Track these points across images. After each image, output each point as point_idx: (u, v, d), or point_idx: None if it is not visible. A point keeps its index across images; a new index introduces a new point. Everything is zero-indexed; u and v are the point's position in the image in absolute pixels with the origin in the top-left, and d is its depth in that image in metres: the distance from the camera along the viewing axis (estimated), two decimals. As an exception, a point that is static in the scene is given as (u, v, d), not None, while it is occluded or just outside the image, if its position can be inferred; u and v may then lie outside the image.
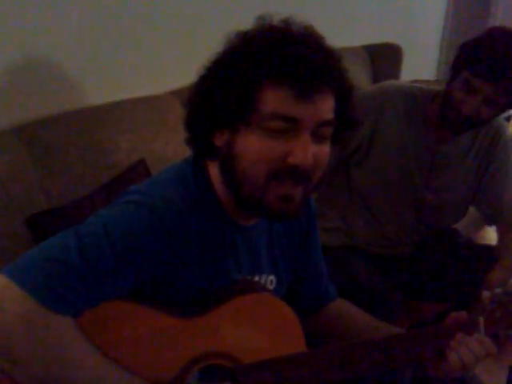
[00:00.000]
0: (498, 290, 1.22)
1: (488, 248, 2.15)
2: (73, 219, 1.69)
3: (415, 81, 3.43)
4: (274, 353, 1.16)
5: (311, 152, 1.06)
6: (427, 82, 3.26)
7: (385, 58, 3.30)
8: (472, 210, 2.12)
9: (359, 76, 3.09)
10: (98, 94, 2.01)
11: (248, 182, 1.09)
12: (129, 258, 1.04)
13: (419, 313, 1.99)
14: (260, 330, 1.18)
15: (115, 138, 1.93)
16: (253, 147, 1.06)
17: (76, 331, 1.01)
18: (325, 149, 1.11)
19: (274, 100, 1.04)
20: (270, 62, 1.03)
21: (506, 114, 2.18)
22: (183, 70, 2.28)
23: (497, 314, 1.21)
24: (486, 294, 1.22)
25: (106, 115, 1.96)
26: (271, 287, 1.31)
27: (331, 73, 1.06)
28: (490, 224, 2.11)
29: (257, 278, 1.28)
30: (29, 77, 1.83)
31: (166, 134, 2.08)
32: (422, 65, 4.08)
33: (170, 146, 2.08)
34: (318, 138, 1.08)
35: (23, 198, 1.65)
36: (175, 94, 2.24)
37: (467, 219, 2.19)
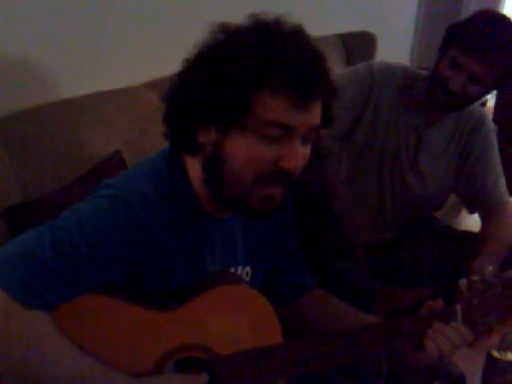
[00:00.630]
0: (476, 278, 1.22)
1: (468, 234, 2.17)
2: (49, 212, 1.66)
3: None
4: (250, 344, 1.17)
5: (301, 156, 1.08)
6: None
7: (359, 46, 3.30)
8: (449, 197, 2.14)
9: (333, 65, 3.09)
10: (72, 87, 1.99)
11: (234, 184, 1.09)
12: (103, 253, 1.04)
13: (398, 300, 2.00)
14: (236, 322, 1.18)
15: (90, 131, 1.91)
16: (244, 151, 1.06)
17: (51, 325, 1.00)
18: (308, 150, 1.13)
19: (271, 107, 1.04)
20: (270, 69, 1.03)
21: (481, 100, 2.20)
22: (158, 61, 2.28)
23: (474, 302, 1.22)
24: (462, 281, 1.23)
25: (80, 108, 1.94)
26: (247, 279, 1.31)
27: (323, 80, 1.07)
28: (471, 211, 2.11)
29: (232, 270, 1.28)
30: (2, 71, 1.80)
31: (141, 126, 2.07)
32: (396, 53, 4.09)
33: (146, 138, 2.07)
34: (305, 140, 1.09)
35: (-1, 192, 1.64)
36: (150, 85, 2.23)
37: (445, 206, 2.20)
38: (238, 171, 1.08)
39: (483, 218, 2.04)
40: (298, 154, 1.08)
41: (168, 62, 2.26)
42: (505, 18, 1.81)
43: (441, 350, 1.20)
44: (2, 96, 1.81)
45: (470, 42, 1.74)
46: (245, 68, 1.03)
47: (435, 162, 2.01)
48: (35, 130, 1.78)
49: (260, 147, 1.06)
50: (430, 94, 1.87)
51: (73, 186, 1.79)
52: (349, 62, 3.24)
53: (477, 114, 1.99)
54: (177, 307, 1.13)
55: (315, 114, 1.09)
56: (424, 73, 2.00)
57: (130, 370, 1.08)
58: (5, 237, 1.60)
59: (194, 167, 1.16)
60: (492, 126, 2.04)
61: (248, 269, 1.32)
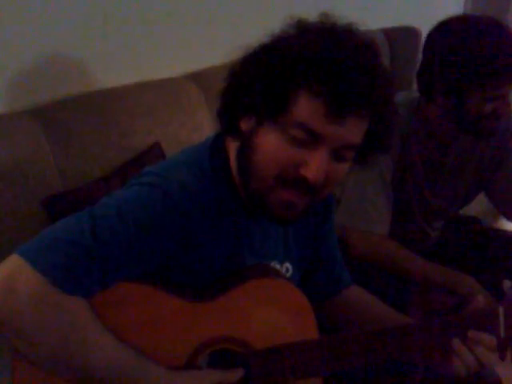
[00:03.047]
0: (520, 279, 1.20)
1: (509, 235, 2.11)
2: (88, 201, 1.68)
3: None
4: (286, 339, 1.16)
5: (325, 169, 1.04)
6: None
7: (403, 41, 3.25)
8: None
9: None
10: (114, 77, 2.01)
11: (257, 177, 1.08)
12: (142, 240, 1.04)
13: (437, 302, 1.97)
14: (273, 316, 1.17)
15: (131, 121, 1.93)
16: (270, 146, 1.05)
17: (89, 312, 1.01)
18: (342, 167, 1.09)
19: (305, 109, 1.02)
20: (313, 70, 1.00)
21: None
22: (200, 53, 2.29)
23: (517, 305, 1.19)
24: (507, 283, 1.20)
25: (121, 98, 1.96)
26: (287, 274, 1.31)
27: (372, 98, 1.02)
28: None
29: (272, 264, 1.27)
30: (47, 59, 1.83)
31: (180, 118, 2.08)
32: (440, 49, 4.03)
33: (185, 130, 2.08)
34: (337, 156, 1.06)
35: (40, 179, 1.67)
36: (191, 77, 2.24)
37: (487, 208, 2.15)
38: (262, 164, 1.06)
39: None
40: (320, 165, 1.03)
41: (210, 54, 2.29)
42: (497, 23, 1.64)
43: (468, 368, 1.17)
44: (45, 84, 1.84)
45: (503, 72, 1.58)
46: (290, 63, 1.02)
47: (458, 179, 1.92)
48: (77, 119, 1.80)
49: (284, 146, 1.04)
50: (482, 130, 1.72)
51: (113, 176, 1.81)
52: (392, 56, 3.20)
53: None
54: (213, 298, 1.13)
55: (352, 132, 1.04)
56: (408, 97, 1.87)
57: (165, 359, 1.08)
58: (45, 224, 1.62)
59: (234, 156, 1.16)
60: None
61: (288, 264, 1.31)
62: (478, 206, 2.17)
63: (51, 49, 1.84)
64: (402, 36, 3.27)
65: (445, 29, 1.70)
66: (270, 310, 1.17)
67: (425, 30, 3.32)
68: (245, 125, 1.10)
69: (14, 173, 1.62)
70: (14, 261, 0.97)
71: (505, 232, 2.24)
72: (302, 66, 1.01)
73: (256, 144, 1.07)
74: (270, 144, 1.05)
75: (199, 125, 2.10)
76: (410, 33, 3.29)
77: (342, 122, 1.01)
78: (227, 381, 1.11)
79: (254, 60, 1.07)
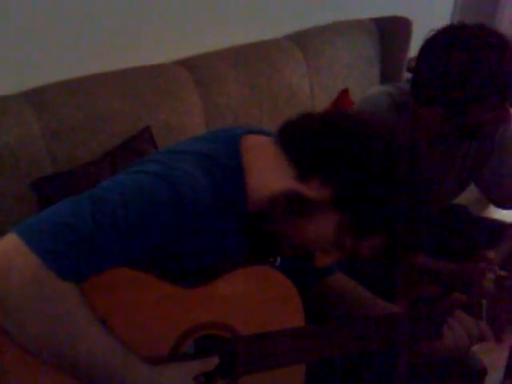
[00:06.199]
0: (503, 273, 1.22)
1: (497, 223, 2.13)
2: (77, 184, 1.70)
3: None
4: (273, 326, 1.17)
5: None
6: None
7: (394, 31, 3.23)
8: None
9: (367, 50, 3.05)
10: (105, 62, 2.01)
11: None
12: (142, 231, 1.03)
13: (423, 289, 1.99)
14: (260, 303, 1.18)
15: (121, 106, 1.93)
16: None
17: (79, 300, 1.01)
18: None
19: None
20: None
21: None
22: (190, 39, 2.28)
23: (500, 298, 1.22)
24: (490, 276, 1.22)
25: (112, 82, 1.96)
26: (276, 263, 1.31)
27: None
28: (505, 208, 2.06)
29: None
30: (38, 43, 1.83)
31: (171, 103, 2.08)
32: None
33: (175, 115, 2.08)
34: None
35: (30, 162, 1.67)
36: (181, 63, 2.23)
37: (474, 197, 2.16)
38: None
39: None
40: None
41: (200, 40, 2.28)
42: (494, 31, 1.58)
43: (457, 340, 1.20)
44: (36, 68, 1.84)
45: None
46: None
47: (445, 172, 1.94)
48: (67, 103, 1.80)
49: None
50: (481, 135, 1.72)
51: (102, 160, 1.81)
52: (383, 46, 3.20)
53: None
54: (202, 285, 1.13)
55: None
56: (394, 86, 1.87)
57: (151, 343, 1.09)
58: (35, 206, 1.63)
59: (257, 165, 1.15)
60: None
61: None
62: (466, 194, 2.18)
63: (41, 33, 1.83)
64: (393, 26, 3.26)
65: (444, 40, 1.63)
66: (257, 297, 1.18)
67: (416, 20, 3.34)
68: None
69: (4, 155, 1.62)
70: (12, 240, 0.96)
71: (492, 220, 2.25)
72: None
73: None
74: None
75: (190, 110, 2.10)
76: (401, 22, 3.27)
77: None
78: (207, 368, 1.12)
79: None
